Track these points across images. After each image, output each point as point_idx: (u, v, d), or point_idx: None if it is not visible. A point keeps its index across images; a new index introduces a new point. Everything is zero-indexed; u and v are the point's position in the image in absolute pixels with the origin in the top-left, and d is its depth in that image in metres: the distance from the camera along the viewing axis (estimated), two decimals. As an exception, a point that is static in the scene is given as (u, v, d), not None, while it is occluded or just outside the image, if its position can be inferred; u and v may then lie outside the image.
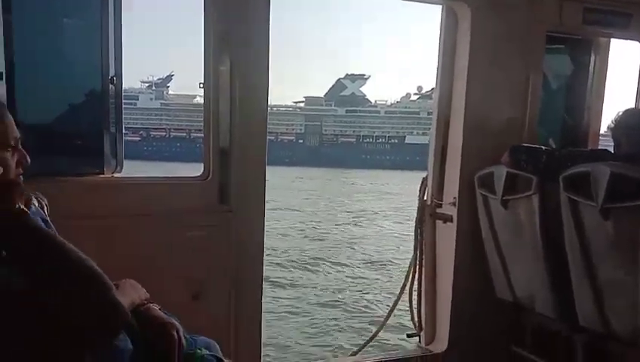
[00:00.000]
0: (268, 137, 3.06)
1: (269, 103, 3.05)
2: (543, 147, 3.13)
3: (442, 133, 3.59)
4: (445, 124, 3.57)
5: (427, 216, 3.67)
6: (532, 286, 3.05)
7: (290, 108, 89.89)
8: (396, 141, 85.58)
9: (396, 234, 19.36)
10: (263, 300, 3.16)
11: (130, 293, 1.72)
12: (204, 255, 2.89)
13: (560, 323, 2.96)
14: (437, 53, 3.57)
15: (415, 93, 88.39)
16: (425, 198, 3.69)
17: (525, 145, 3.19)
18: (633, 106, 4.17)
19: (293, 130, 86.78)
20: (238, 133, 2.91)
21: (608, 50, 4.14)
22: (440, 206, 3.61)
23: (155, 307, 1.79)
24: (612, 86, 4.36)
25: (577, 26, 3.78)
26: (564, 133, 4.26)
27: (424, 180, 3.70)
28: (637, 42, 4.15)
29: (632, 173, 2.38)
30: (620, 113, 2.91)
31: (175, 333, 1.71)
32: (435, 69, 3.59)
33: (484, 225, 3.30)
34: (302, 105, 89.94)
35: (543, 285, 2.94)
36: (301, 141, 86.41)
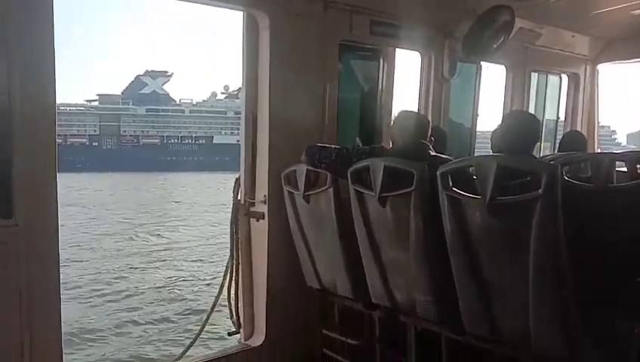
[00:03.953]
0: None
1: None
2: (333, 146, 3.59)
3: (251, 134, 3.90)
4: (253, 125, 3.89)
5: (242, 216, 3.95)
6: (334, 272, 3.50)
7: (82, 108, 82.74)
8: (204, 141, 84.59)
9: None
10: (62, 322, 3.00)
11: None
12: None
13: (358, 302, 3.45)
14: (241, 56, 3.86)
15: (222, 92, 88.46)
16: (239, 198, 3.96)
17: (319, 144, 3.58)
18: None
19: (85, 131, 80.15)
20: (21, 138, 2.76)
21: (394, 57, 4.92)
22: (253, 204, 3.92)
23: None
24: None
25: (366, 37, 4.46)
26: (365, 130, 4.93)
27: (237, 180, 3.97)
28: (416, 52, 5.04)
29: (401, 166, 2.91)
30: (397, 114, 3.52)
31: None
32: (241, 71, 3.87)
33: (292, 219, 3.69)
34: (95, 103, 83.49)
35: (342, 270, 3.40)
36: (96, 144, 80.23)
